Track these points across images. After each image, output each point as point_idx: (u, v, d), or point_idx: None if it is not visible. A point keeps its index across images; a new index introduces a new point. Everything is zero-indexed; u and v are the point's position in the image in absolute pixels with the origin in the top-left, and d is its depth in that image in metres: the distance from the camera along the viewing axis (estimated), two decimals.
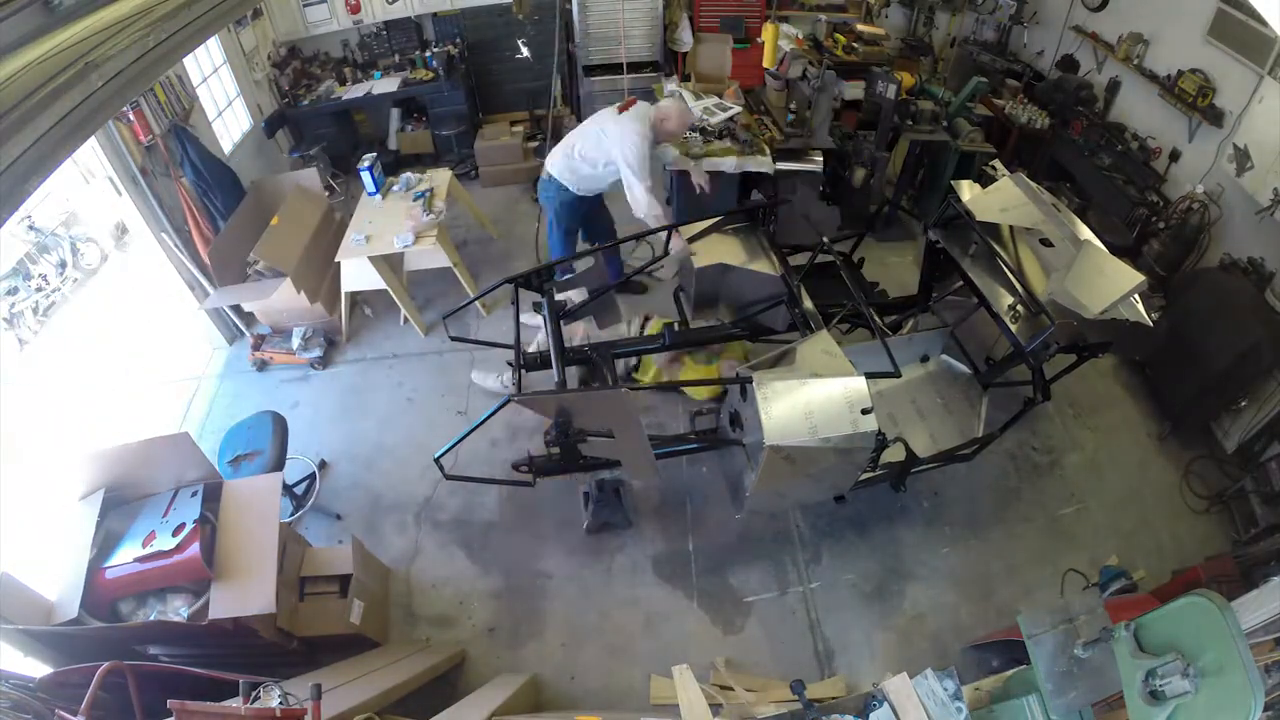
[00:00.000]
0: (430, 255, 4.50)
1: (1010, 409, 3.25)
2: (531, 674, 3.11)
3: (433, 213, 4.54)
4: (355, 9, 5.91)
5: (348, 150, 6.35)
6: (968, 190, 3.50)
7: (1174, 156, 4.65)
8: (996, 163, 4.60)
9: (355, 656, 2.90)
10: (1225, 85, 4.21)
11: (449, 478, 3.09)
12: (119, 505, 2.70)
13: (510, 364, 3.30)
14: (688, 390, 4.01)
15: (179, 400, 4.36)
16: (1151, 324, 3.09)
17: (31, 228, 5.05)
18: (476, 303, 4.50)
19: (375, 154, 4.87)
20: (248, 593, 2.48)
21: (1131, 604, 2.71)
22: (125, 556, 2.51)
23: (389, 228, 4.45)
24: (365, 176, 4.80)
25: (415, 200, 4.64)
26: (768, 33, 4.87)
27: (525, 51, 4.93)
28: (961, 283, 3.48)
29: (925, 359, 3.84)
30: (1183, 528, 3.66)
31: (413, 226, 4.40)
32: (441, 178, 4.93)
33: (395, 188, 4.85)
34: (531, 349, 3.64)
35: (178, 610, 2.53)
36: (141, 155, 4.00)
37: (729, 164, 4.71)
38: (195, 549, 2.50)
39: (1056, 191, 4.42)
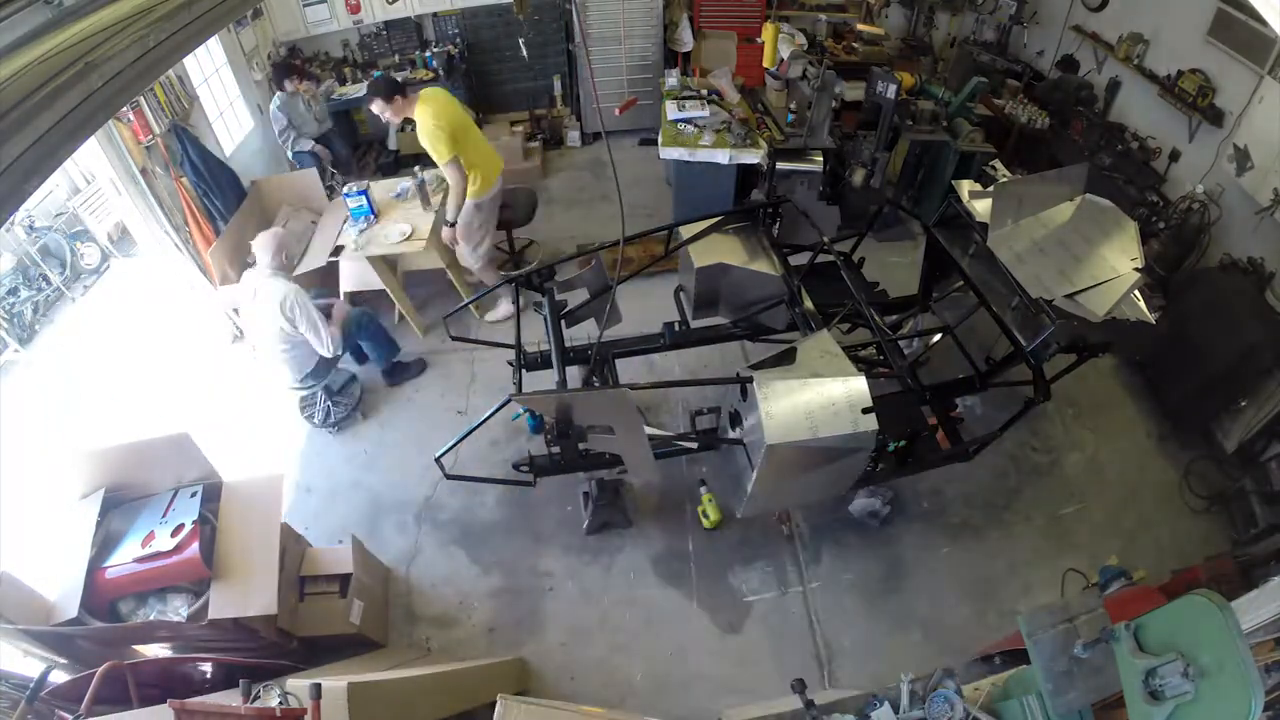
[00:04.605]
0: (425, 256, 4.51)
1: (1010, 409, 3.25)
2: (517, 656, 3.14)
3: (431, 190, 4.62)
4: (355, 9, 5.91)
5: (348, 150, 6.34)
6: (968, 190, 3.50)
7: (1174, 156, 4.65)
8: (996, 163, 4.61)
9: (356, 657, 2.90)
10: (1225, 85, 4.21)
11: (449, 477, 3.09)
12: (119, 505, 2.70)
13: (511, 364, 3.30)
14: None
15: (179, 400, 4.35)
16: (1153, 321, 3.09)
17: (31, 228, 5.07)
18: (473, 304, 4.49)
19: (364, 190, 4.55)
20: (248, 593, 2.49)
21: (1135, 596, 2.71)
22: (125, 556, 2.51)
23: (385, 228, 4.47)
24: (351, 203, 4.45)
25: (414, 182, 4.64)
26: (768, 33, 4.89)
27: (524, 52, 4.97)
28: (961, 283, 3.48)
29: None
30: (1183, 528, 3.66)
31: (403, 228, 4.43)
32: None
33: (395, 194, 4.80)
34: None
35: (178, 610, 2.53)
36: (141, 155, 3.99)
37: (722, 155, 4.79)
38: (194, 549, 2.50)
39: None
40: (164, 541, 2.51)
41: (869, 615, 3.31)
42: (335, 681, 1.82)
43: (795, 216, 3.69)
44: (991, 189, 3.43)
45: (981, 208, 3.38)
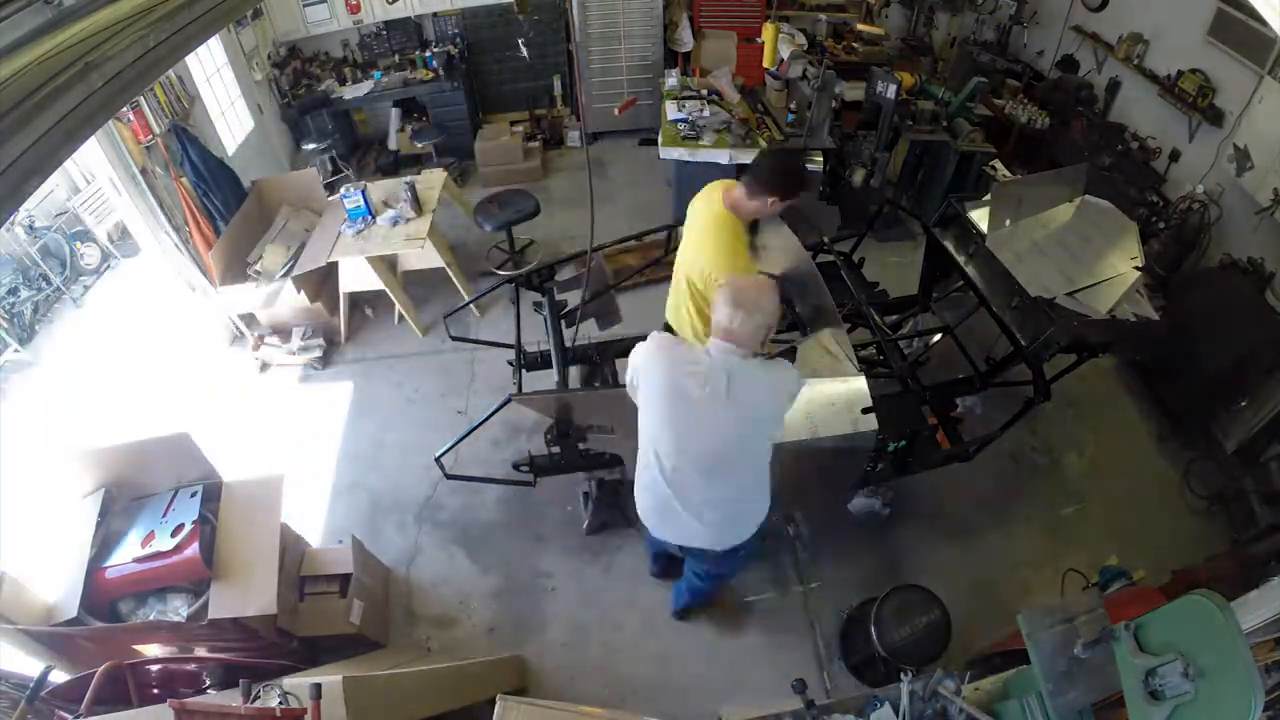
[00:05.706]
0: (424, 255, 4.51)
1: (1010, 409, 3.25)
2: (514, 654, 3.14)
3: (419, 202, 4.57)
4: (355, 9, 5.91)
5: (348, 150, 6.35)
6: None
7: (1174, 156, 4.65)
8: (996, 163, 4.62)
9: (356, 657, 2.90)
10: (1225, 85, 4.21)
11: (450, 477, 3.09)
12: (119, 505, 2.70)
13: (511, 364, 3.30)
14: None
15: (179, 400, 4.35)
16: (1157, 318, 3.09)
17: (31, 228, 5.07)
18: (474, 304, 4.49)
19: (361, 189, 4.53)
20: (248, 593, 2.49)
21: (1135, 596, 2.71)
22: (125, 556, 2.51)
23: (380, 229, 4.49)
24: (348, 203, 4.43)
25: (402, 189, 4.60)
26: (768, 33, 4.89)
27: (524, 52, 4.97)
28: (961, 283, 3.48)
29: None
30: (1183, 528, 3.66)
31: (396, 214, 4.42)
32: (435, 180, 4.92)
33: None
34: None
35: (178, 610, 2.53)
36: (141, 155, 3.99)
37: (722, 156, 4.82)
38: (194, 549, 2.51)
39: None
40: (164, 541, 2.51)
41: None
42: (333, 678, 1.83)
43: (795, 216, 3.69)
44: (991, 190, 3.43)
45: (980, 218, 3.38)
